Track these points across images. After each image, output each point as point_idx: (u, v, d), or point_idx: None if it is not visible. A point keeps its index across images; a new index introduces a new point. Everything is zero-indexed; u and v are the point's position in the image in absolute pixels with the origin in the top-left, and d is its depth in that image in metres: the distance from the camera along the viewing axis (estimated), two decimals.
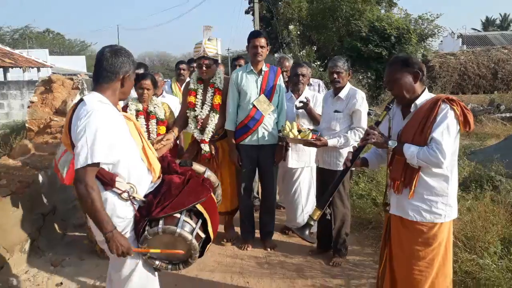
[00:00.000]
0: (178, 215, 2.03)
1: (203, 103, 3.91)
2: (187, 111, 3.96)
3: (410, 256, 2.34)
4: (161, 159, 2.31)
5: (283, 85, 3.96)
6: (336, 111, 3.56)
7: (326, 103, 3.76)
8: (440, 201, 2.27)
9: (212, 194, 2.27)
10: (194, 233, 2.05)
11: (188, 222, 2.05)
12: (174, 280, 3.45)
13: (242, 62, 5.31)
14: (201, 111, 3.88)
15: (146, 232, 2.00)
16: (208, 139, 3.87)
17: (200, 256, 2.20)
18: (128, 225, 2.07)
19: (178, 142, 4.17)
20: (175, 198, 2.05)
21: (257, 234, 4.18)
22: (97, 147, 1.86)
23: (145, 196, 2.12)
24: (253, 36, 3.73)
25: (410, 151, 2.22)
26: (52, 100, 5.64)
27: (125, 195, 2.01)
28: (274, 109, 3.85)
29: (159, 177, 2.22)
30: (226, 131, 3.92)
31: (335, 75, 3.52)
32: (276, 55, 14.40)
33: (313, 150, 3.79)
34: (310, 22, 16.26)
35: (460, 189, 4.21)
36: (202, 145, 3.87)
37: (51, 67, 23.51)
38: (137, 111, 3.91)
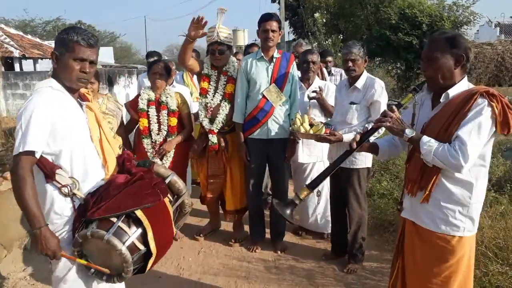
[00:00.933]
0: (114, 219, 1.75)
1: (215, 91, 3.64)
2: (198, 96, 3.71)
3: (423, 270, 2.01)
4: (118, 156, 2.05)
5: (296, 73, 3.62)
6: (352, 103, 3.21)
7: (340, 93, 3.41)
8: (459, 210, 1.91)
9: (167, 201, 1.94)
10: (128, 243, 1.74)
11: (123, 229, 1.75)
12: (174, 284, 3.23)
13: (255, 49, 4.99)
14: (212, 99, 3.61)
15: (77, 234, 1.78)
16: (217, 130, 3.60)
17: (141, 272, 1.91)
18: (68, 224, 1.87)
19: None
20: (112, 199, 1.77)
21: (268, 234, 3.89)
22: (31, 135, 1.71)
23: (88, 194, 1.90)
24: (264, 19, 3.40)
25: (428, 144, 1.86)
26: None
27: (65, 190, 1.82)
28: (286, 100, 3.52)
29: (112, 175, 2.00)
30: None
31: (350, 63, 3.16)
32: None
33: (326, 144, 3.45)
34: (338, 9, 15.70)
35: (494, 190, 3.78)
36: (210, 136, 3.61)
37: None
38: (149, 100, 3.72)
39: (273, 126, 3.51)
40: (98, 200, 1.78)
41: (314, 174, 3.84)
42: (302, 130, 3.09)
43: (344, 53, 3.24)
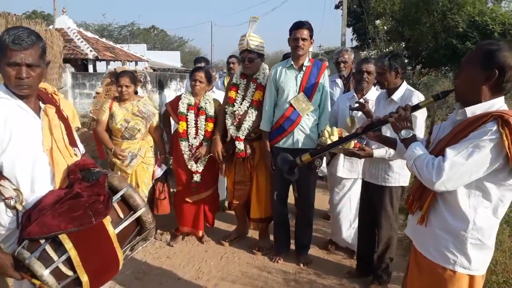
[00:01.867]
0: (42, 240, 1.58)
1: (243, 99, 3.65)
2: (226, 107, 3.74)
3: None
4: (68, 167, 1.86)
5: (327, 82, 3.51)
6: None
7: (378, 106, 3.25)
8: (452, 242, 1.71)
9: (107, 222, 1.66)
10: (51, 268, 1.56)
11: (48, 253, 1.57)
12: (192, 287, 3.26)
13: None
14: (239, 107, 3.62)
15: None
16: (243, 137, 3.61)
17: None
18: (13, 236, 1.74)
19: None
20: (36, 220, 1.59)
21: (293, 246, 3.81)
22: None
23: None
24: (294, 27, 3.35)
25: (413, 150, 1.75)
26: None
27: (9, 202, 1.71)
28: (315, 110, 3.44)
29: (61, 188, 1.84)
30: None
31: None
32: (362, 53, 13.60)
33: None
34: (403, 16, 15.07)
35: None
36: (236, 143, 3.62)
37: (147, 61, 25.14)
38: (189, 105, 3.83)
39: (300, 136, 3.44)
40: (28, 219, 1.64)
41: (354, 192, 3.71)
42: (329, 142, 2.99)
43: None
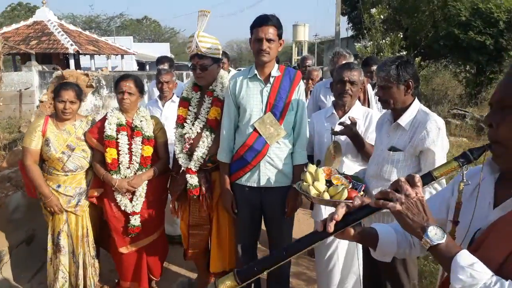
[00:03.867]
0: None
1: (195, 117, 2.78)
2: (174, 128, 2.88)
3: None
4: None
5: (303, 97, 2.63)
6: (393, 149, 2.16)
7: (379, 131, 2.38)
8: None
9: None
10: None
11: None
12: None
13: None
14: (191, 128, 2.75)
15: None
16: (196, 168, 2.73)
17: None
18: None
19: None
20: None
21: None
22: None
23: None
24: (256, 24, 2.46)
25: (470, 272, 0.93)
26: None
27: None
28: (287, 135, 2.56)
29: None
30: None
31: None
32: (358, 44, 12.62)
33: None
34: (400, 4, 14.12)
35: None
36: (188, 176, 2.75)
37: (134, 54, 24.06)
38: (119, 125, 2.92)
39: (268, 170, 2.56)
40: None
41: (340, 245, 2.77)
42: (313, 192, 2.10)
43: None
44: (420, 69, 12.26)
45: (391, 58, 2.18)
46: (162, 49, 31.28)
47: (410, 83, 2.14)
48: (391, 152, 2.14)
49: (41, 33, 19.08)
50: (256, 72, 2.54)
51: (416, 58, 11.74)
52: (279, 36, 2.48)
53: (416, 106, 2.16)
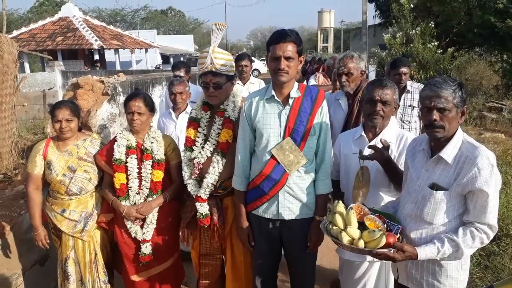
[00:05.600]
0: None
1: (205, 140, 2.55)
2: (182, 151, 2.67)
3: None
4: None
5: (326, 119, 2.35)
6: (435, 187, 1.85)
7: (412, 160, 2.05)
8: None
9: None
10: None
11: None
12: None
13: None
14: (200, 152, 2.52)
15: None
16: (207, 196, 2.52)
17: None
18: None
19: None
20: None
21: None
22: None
23: None
24: (273, 40, 2.19)
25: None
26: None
27: None
28: (309, 162, 2.30)
29: None
30: None
31: (435, 114, 1.82)
32: (386, 35, 12.04)
33: None
34: None
35: None
36: (198, 205, 2.54)
37: (158, 47, 24.08)
38: (128, 147, 2.74)
39: (287, 201, 2.31)
40: None
41: (369, 275, 2.51)
42: (345, 240, 1.84)
43: (425, 96, 1.88)
44: (453, 60, 11.60)
45: (447, 78, 1.86)
46: (186, 41, 31.36)
47: (465, 110, 1.86)
48: (433, 191, 1.85)
49: (67, 29, 19.31)
50: (273, 92, 2.28)
51: (449, 49, 11.13)
52: (299, 53, 2.20)
53: (460, 136, 1.86)
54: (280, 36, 2.16)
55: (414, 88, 4.03)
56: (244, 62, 4.72)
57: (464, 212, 1.83)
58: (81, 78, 4.70)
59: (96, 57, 18.88)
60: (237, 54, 5.16)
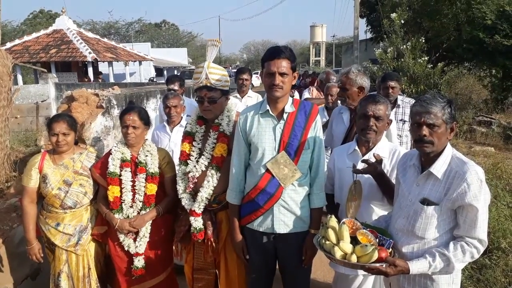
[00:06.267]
0: None
1: (200, 154, 2.58)
2: (177, 165, 2.69)
3: None
4: None
5: (320, 134, 2.39)
6: (426, 202, 1.89)
7: (403, 175, 2.09)
8: None
9: None
10: None
11: None
12: None
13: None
14: (195, 166, 2.54)
15: None
16: (201, 210, 2.53)
17: None
18: None
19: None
20: None
21: None
22: None
23: None
24: (268, 56, 2.24)
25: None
26: None
27: None
28: (303, 176, 2.33)
29: None
30: None
31: (425, 129, 1.88)
32: (377, 50, 12.23)
33: None
34: (421, 7, 13.66)
35: None
36: (192, 219, 2.55)
37: (151, 60, 24.15)
38: (123, 161, 2.75)
39: (282, 215, 2.34)
40: None
41: None
42: (338, 255, 1.87)
43: (415, 111, 1.92)
44: (443, 75, 11.79)
45: (437, 95, 1.92)
46: (179, 54, 31.49)
47: (455, 126, 1.92)
48: (424, 206, 1.89)
49: (60, 41, 19.31)
50: (268, 107, 2.32)
51: (439, 63, 11.32)
52: (293, 69, 2.26)
53: (449, 151, 1.90)
54: (275, 52, 2.22)
55: (405, 102, 4.11)
56: (245, 76, 4.80)
57: (455, 227, 1.87)
58: (75, 91, 4.72)
59: (90, 69, 18.84)
60: (237, 68, 5.24)
